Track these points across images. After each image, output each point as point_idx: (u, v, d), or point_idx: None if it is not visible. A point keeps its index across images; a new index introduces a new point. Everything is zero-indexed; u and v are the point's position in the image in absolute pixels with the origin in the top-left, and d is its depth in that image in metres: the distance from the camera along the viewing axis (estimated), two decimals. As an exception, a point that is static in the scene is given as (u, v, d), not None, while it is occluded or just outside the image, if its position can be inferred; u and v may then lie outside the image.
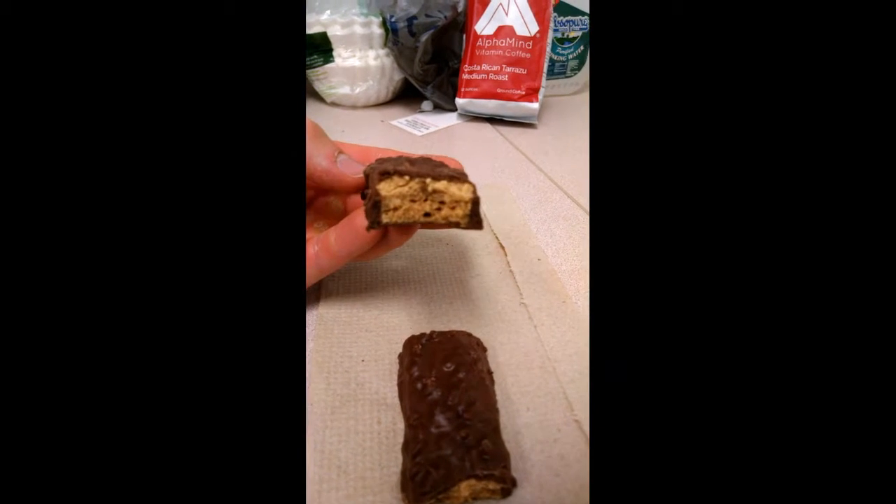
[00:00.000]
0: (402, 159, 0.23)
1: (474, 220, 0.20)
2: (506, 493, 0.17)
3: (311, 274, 0.23)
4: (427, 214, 0.20)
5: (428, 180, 0.19)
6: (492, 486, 0.17)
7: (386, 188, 0.19)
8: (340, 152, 0.23)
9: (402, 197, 0.19)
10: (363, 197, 0.23)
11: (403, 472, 0.17)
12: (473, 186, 0.20)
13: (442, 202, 0.19)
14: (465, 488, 0.16)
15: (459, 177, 0.20)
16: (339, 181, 0.23)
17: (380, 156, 0.25)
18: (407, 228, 0.23)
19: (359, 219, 0.21)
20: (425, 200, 0.19)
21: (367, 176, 0.22)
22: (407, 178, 0.19)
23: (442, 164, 0.22)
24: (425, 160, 0.23)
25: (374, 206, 0.19)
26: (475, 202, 0.19)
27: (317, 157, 0.22)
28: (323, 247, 0.23)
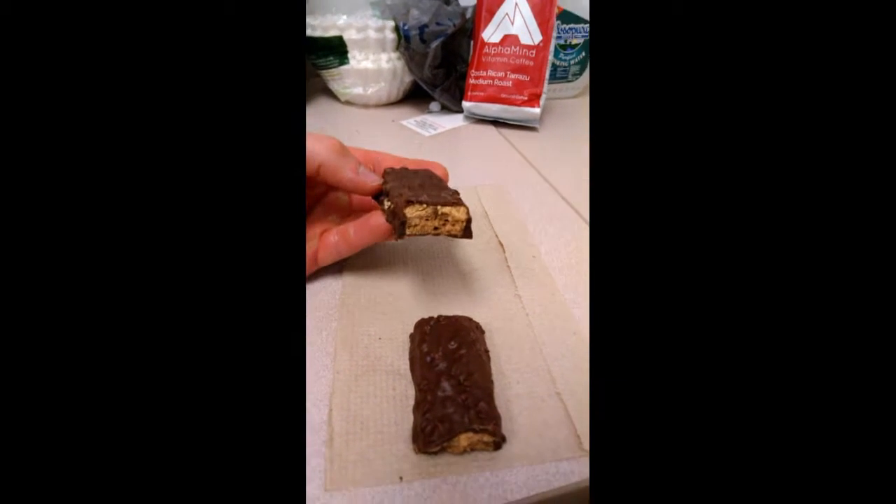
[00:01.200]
0: (408, 174, 0.29)
1: (467, 232, 0.27)
2: (497, 446, 0.21)
3: (331, 257, 0.30)
4: (435, 228, 0.26)
5: (439, 206, 0.26)
6: (486, 438, 0.21)
7: (410, 212, 0.25)
8: (360, 164, 0.29)
9: (420, 217, 0.26)
10: (375, 199, 0.29)
11: (414, 427, 0.21)
12: (467, 209, 0.26)
13: (446, 220, 0.26)
14: (464, 439, 0.20)
15: (458, 202, 0.26)
16: (361, 188, 0.29)
17: (385, 160, 0.32)
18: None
19: (374, 220, 0.28)
20: (435, 219, 0.26)
21: (385, 189, 0.28)
22: (425, 205, 0.25)
23: (441, 184, 0.29)
24: (426, 177, 0.29)
25: (401, 224, 0.25)
26: (468, 221, 0.26)
27: (344, 171, 0.28)
28: (342, 238, 0.29)
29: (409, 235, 0.26)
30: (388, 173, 0.29)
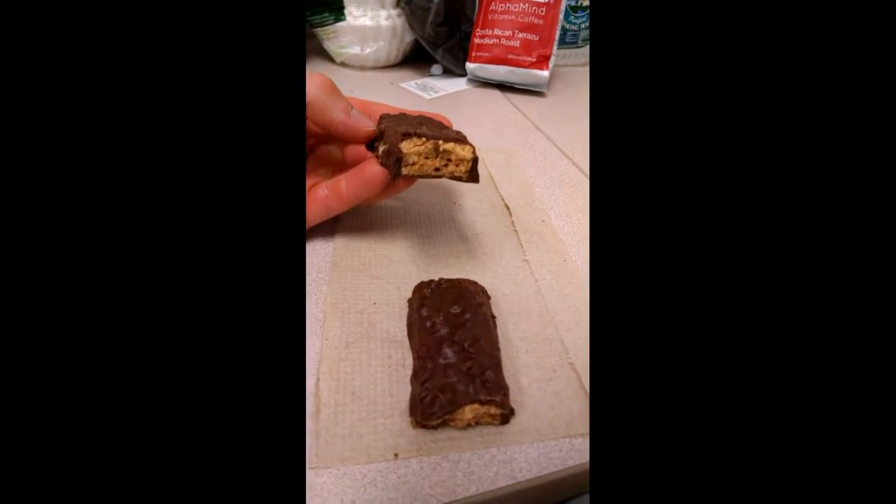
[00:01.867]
0: (407, 117, 0.26)
1: (473, 174, 0.24)
2: (505, 419, 0.19)
3: (320, 214, 0.26)
4: (437, 169, 0.23)
5: (440, 141, 0.22)
6: (493, 411, 0.18)
7: (406, 146, 0.22)
8: (352, 107, 0.25)
9: (419, 154, 0.22)
10: (369, 148, 0.26)
11: (412, 398, 0.19)
12: (474, 148, 0.23)
13: (449, 160, 0.23)
14: (468, 412, 0.18)
15: (463, 139, 0.23)
16: (353, 132, 0.25)
17: (382, 111, 0.28)
18: (402, 185, 0.26)
19: (368, 168, 0.24)
20: (436, 157, 0.23)
21: (379, 131, 0.25)
22: (424, 139, 0.22)
23: (441, 125, 0.26)
24: (426, 120, 0.26)
25: (396, 161, 0.22)
26: (475, 161, 0.23)
27: (333, 111, 0.25)
28: (333, 191, 0.26)
29: (406, 176, 0.23)
30: (383, 118, 0.26)
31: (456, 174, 0.23)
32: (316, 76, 0.24)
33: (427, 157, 0.22)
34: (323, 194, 0.26)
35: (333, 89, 0.25)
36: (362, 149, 0.27)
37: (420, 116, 0.27)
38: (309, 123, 0.25)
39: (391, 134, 0.23)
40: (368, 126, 0.25)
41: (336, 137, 0.26)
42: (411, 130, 0.22)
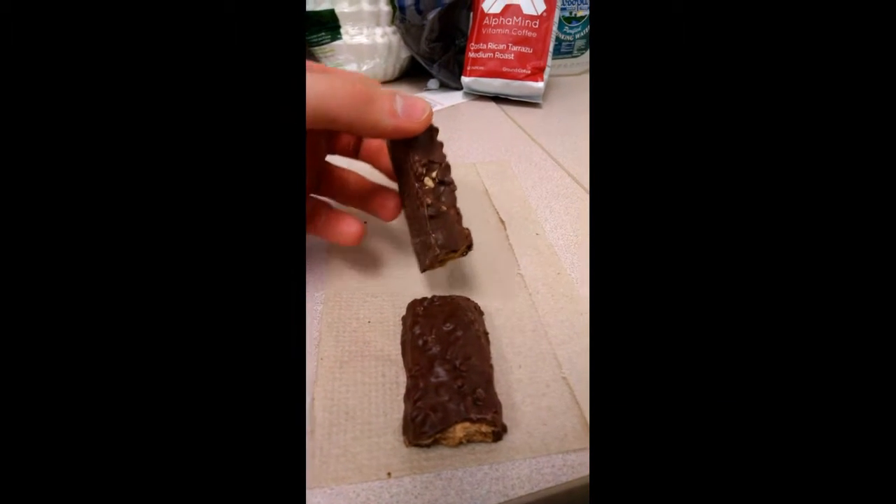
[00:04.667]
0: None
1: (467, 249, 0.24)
2: (497, 436, 0.19)
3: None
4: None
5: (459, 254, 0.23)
6: (484, 429, 0.18)
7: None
8: (396, 94, 0.21)
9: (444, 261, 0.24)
10: (397, 170, 0.25)
11: (405, 416, 0.19)
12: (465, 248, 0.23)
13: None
14: (459, 430, 0.18)
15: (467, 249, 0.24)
16: (406, 129, 0.22)
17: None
18: (394, 207, 0.27)
19: (344, 224, 0.26)
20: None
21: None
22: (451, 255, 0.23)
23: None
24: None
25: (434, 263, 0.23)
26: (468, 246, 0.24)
27: (378, 114, 0.20)
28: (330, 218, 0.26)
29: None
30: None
31: (464, 254, 0.24)
32: (341, 74, 0.22)
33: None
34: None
35: (366, 93, 0.20)
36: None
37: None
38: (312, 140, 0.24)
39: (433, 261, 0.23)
40: (424, 110, 0.22)
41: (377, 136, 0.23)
42: (441, 256, 0.23)
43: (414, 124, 0.22)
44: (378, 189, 0.27)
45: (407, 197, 0.25)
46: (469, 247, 0.23)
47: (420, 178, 0.23)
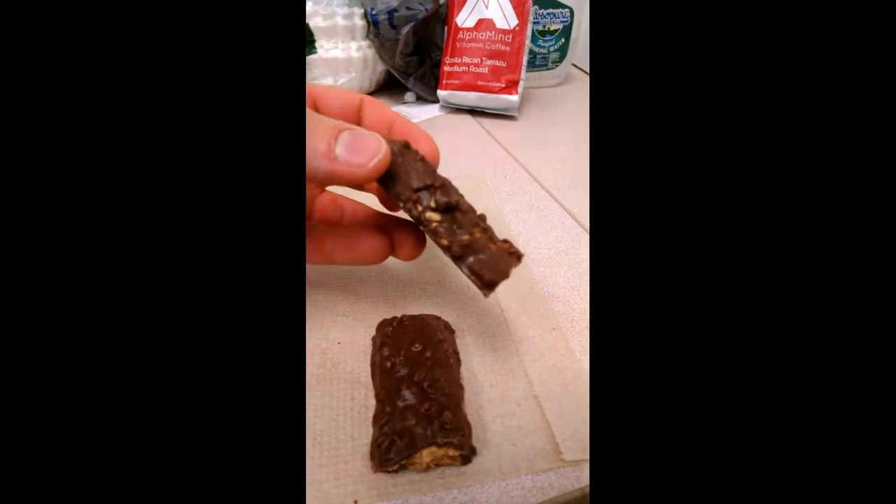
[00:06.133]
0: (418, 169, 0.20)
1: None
2: (465, 459, 0.19)
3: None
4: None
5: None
6: (451, 452, 0.18)
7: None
8: (342, 131, 0.17)
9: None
10: (383, 185, 0.19)
11: (372, 442, 0.19)
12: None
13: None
14: (426, 455, 0.18)
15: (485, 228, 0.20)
16: (347, 178, 0.17)
17: (398, 125, 0.23)
18: (414, 246, 0.23)
19: (365, 242, 0.22)
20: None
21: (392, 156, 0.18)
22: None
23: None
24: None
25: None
26: (518, 258, 0.20)
27: (308, 155, 0.16)
28: (315, 249, 0.23)
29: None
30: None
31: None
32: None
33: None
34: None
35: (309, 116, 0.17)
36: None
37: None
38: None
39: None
40: (371, 156, 0.17)
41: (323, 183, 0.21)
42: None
43: (355, 170, 0.16)
44: (387, 222, 0.23)
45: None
46: (519, 258, 0.20)
47: (420, 218, 0.19)
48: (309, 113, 0.17)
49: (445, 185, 0.19)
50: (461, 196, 0.20)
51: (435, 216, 0.19)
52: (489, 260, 0.19)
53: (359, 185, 0.20)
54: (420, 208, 0.19)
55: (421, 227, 0.19)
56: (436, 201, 0.19)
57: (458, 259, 0.19)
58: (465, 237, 0.19)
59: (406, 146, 0.20)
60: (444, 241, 0.19)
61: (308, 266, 0.28)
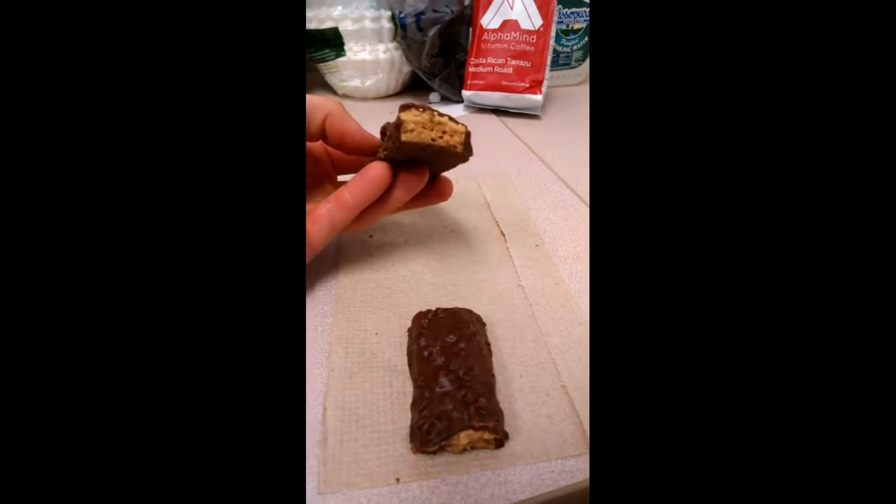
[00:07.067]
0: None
1: (467, 148, 0.26)
2: (499, 443, 0.20)
3: (325, 230, 0.27)
4: (432, 140, 0.25)
5: (435, 114, 0.25)
6: (487, 436, 0.20)
7: (405, 115, 0.24)
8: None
9: (416, 122, 0.25)
10: (373, 155, 0.28)
11: (412, 425, 0.20)
12: (465, 126, 0.26)
13: (444, 132, 0.25)
14: (463, 437, 0.19)
15: (456, 120, 0.26)
16: (368, 141, 0.29)
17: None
18: (412, 182, 0.28)
19: (372, 169, 0.27)
20: (432, 129, 0.25)
21: (382, 132, 0.28)
22: (421, 110, 0.25)
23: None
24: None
25: (397, 128, 0.24)
26: (468, 134, 0.26)
27: (350, 122, 0.29)
28: (336, 203, 0.26)
29: (405, 143, 0.24)
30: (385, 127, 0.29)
31: (451, 144, 0.25)
32: (329, 99, 0.28)
33: (424, 127, 0.25)
34: (326, 209, 0.26)
35: (344, 110, 0.29)
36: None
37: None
38: (312, 148, 0.29)
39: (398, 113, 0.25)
40: (376, 137, 0.29)
41: (349, 148, 0.29)
42: (409, 104, 0.25)
43: (371, 138, 0.29)
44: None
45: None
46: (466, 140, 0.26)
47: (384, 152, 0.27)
48: (346, 114, 0.29)
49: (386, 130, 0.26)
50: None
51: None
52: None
53: (369, 149, 0.29)
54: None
55: (384, 152, 0.26)
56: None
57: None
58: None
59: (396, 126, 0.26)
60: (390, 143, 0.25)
61: (348, 266, 0.31)
